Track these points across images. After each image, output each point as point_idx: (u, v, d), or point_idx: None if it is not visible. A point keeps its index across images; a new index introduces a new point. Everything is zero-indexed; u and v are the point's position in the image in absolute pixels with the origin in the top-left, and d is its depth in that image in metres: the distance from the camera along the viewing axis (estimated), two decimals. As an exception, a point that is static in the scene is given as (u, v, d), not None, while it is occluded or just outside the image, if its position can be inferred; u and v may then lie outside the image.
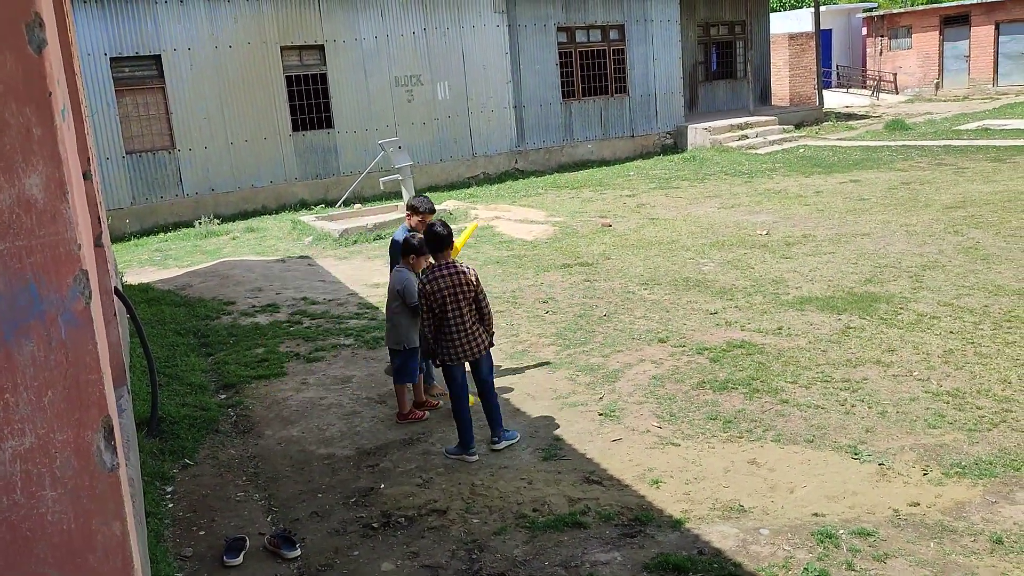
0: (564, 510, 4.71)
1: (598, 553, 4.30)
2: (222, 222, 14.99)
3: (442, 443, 5.74)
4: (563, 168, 19.86)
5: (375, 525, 4.71)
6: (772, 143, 21.14)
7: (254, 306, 9.48)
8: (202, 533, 4.77)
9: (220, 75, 15.66)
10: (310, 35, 16.49)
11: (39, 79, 1.59)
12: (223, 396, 6.86)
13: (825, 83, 32.11)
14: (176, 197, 15.51)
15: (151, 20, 14.94)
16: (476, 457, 5.45)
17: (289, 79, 16.39)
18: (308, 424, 6.20)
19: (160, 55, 15.09)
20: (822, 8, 30.35)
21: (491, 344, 5.60)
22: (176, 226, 14.90)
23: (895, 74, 33.88)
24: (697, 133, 21.46)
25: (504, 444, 5.59)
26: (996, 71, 30.95)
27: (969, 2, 33.28)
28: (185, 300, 9.90)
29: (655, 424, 5.79)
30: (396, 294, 6.12)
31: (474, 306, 5.44)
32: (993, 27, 30.70)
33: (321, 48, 16.64)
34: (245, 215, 15.68)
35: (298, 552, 4.44)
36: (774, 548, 4.23)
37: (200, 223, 14.63)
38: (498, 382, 6.54)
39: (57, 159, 1.61)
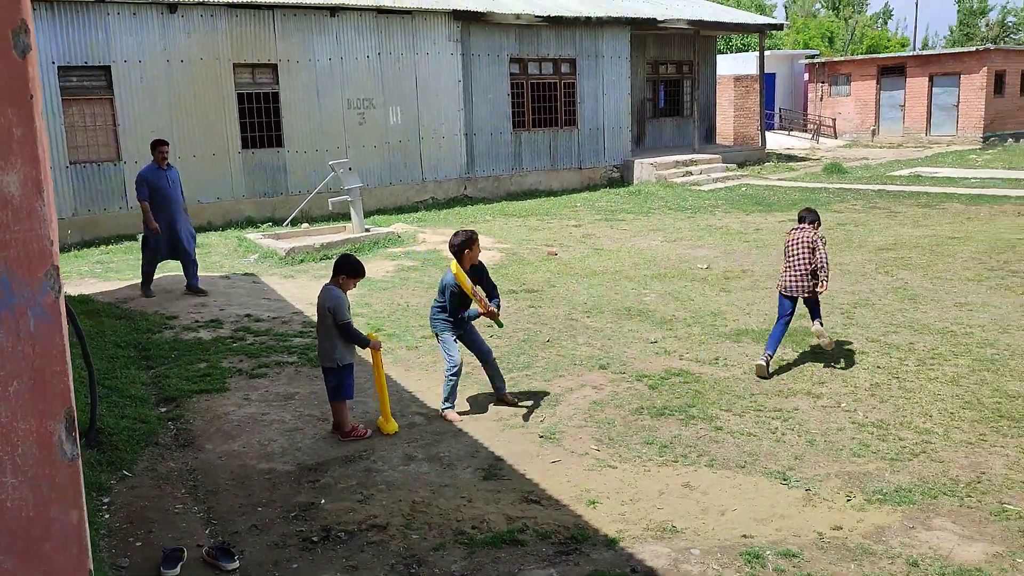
0: (503, 528, 4.81)
1: (534, 570, 4.40)
2: (166, 236, 14.81)
3: (384, 461, 5.80)
4: (512, 196, 20.09)
5: (315, 539, 4.74)
6: (715, 180, 21.69)
7: (197, 321, 9.41)
8: (139, 544, 4.74)
9: (171, 89, 15.56)
10: (264, 54, 16.50)
11: (22, 82, 1.67)
12: (163, 409, 6.81)
13: (768, 125, 33.09)
14: (120, 210, 15.29)
15: (102, 30, 14.81)
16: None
17: (241, 96, 16.35)
18: (249, 439, 6.20)
19: (110, 66, 14.94)
20: (767, 53, 31.32)
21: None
22: (119, 239, 14.68)
23: (834, 119, 35.05)
24: (643, 168, 21.92)
25: None
26: (929, 121, 32.25)
27: (905, 54, 34.68)
28: (126, 313, 9.78)
29: (594, 447, 5.93)
30: (327, 312, 6.13)
31: None
32: (927, 79, 32.04)
33: (274, 67, 16.65)
34: (190, 230, 15.51)
35: (236, 564, 4.45)
36: (704, 567, 4.38)
37: (143, 237, 14.43)
38: (442, 404, 6.63)
39: (35, 159, 1.69)
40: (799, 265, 7.44)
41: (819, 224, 7.66)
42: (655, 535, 4.74)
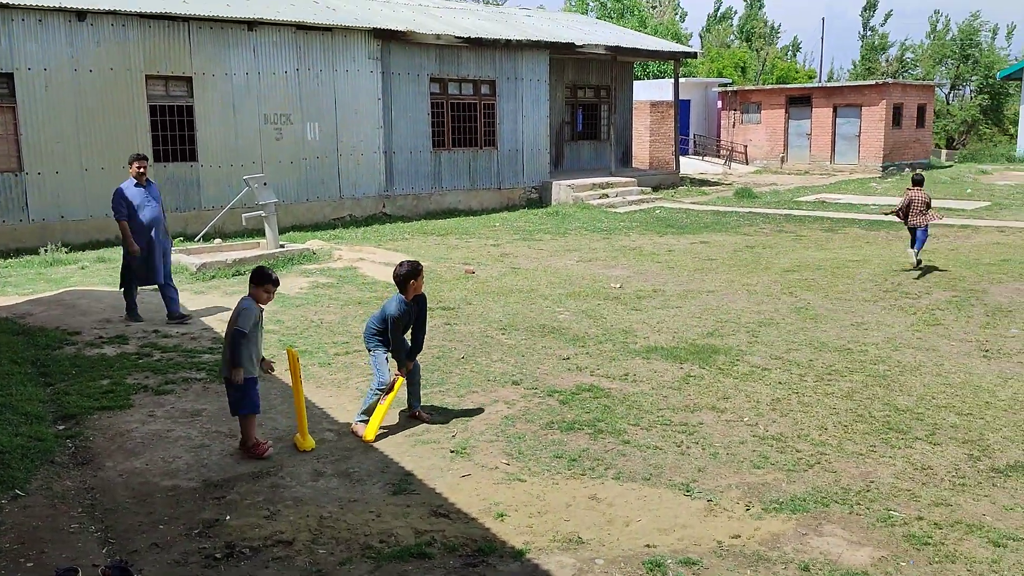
0: (411, 541, 4.81)
1: (441, 582, 4.42)
2: (71, 250, 14.35)
3: (292, 477, 5.73)
4: (431, 215, 20.12)
5: (218, 556, 4.66)
6: (631, 203, 22.15)
7: (101, 337, 9.14)
8: (30, 565, 4.58)
9: (78, 99, 15.13)
10: (178, 66, 16.20)
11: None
12: (61, 427, 6.58)
13: (682, 150, 33.99)
14: (20, 222, 14.75)
15: (5, 37, 14.33)
16: None
17: (153, 108, 16.00)
18: (153, 456, 6.05)
19: (12, 73, 14.45)
20: (682, 80, 32.21)
21: None
22: (18, 252, 14.15)
23: (746, 146, 36.21)
24: (561, 189, 22.23)
25: None
26: (833, 150, 33.62)
27: (812, 86, 36.14)
28: (24, 329, 9.42)
29: (504, 461, 5.98)
30: (233, 319, 6.06)
31: None
32: (832, 110, 33.42)
33: (189, 80, 16.36)
34: (97, 245, 15.06)
35: (135, 583, 4.34)
36: (607, 576, 4.47)
37: (46, 250, 13.95)
38: (352, 421, 6.60)
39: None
40: (921, 208, 12.74)
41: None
42: (561, 546, 4.81)
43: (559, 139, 25.92)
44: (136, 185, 9.77)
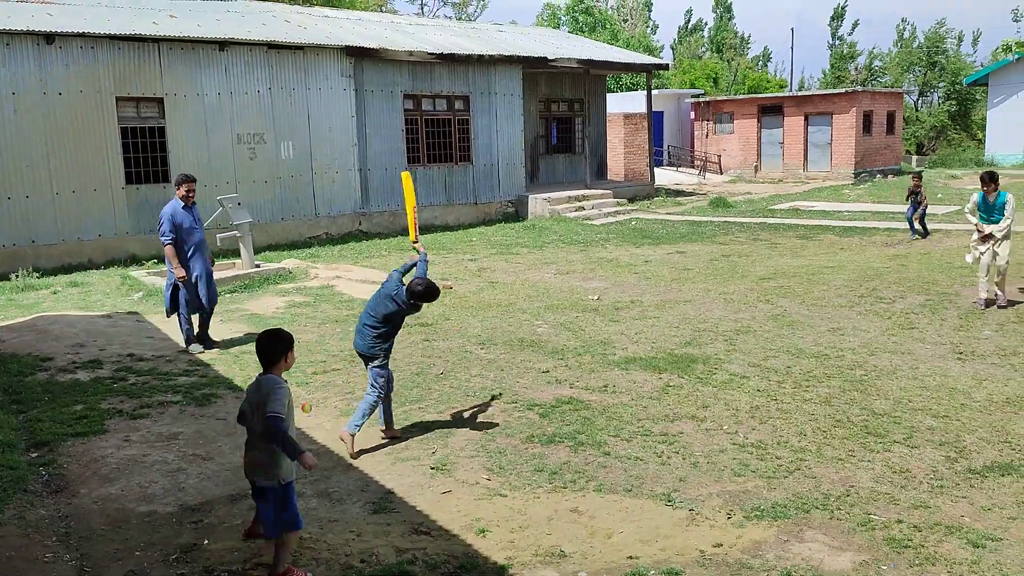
0: (392, 560, 4.77)
1: (423, 600, 4.38)
2: (42, 275, 14.17)
3: (271, 498, 5.66)
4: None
5: (196, 581, 4.59)
6: (607, 215, 22.23)
7: (74, 362, 9.02)
8: (4, 596, 4.49)
9: (48, 122, 14.99)
10: (149, 87, 16.10)
11: None
12: (34, 454, 6.48)
13: (657, 161, 34.21)
14: (-9, 247, 14.55)
15: (-27, 61, 14.18)
16: None
17: (124, 130, 15.88)
18: (129, 482, 5.96)
19: (-19, 98, 14.30)
20: (655, 92, 32.43)
21: None
22: (-11, 278, 13.95)
23: (720, 156, 36.49)
24: (537, 203, 22.28)
25: None
26: (806, 158, 33.95)
27: (783, 95, 36.52)
28: (-4, 355, 9.28)
29: (484, 477, 5.95)
30: (261, 399, 4.53)
31: None
32: (803, 118, 33.77)
33: (160, 101, 16.26)
34: (69, 269, 14.89)
35: (111, 611, 4.26)
36: (590, 589, 4.45)
37: (17, 276, 13.77)
38: (331, 439, 6.54)
39: None
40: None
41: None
42: (544, 560, 4.78)
43: (534, 153, 26.00)
44: (184, 207, 9.37)
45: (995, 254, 10.60)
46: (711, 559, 4.74)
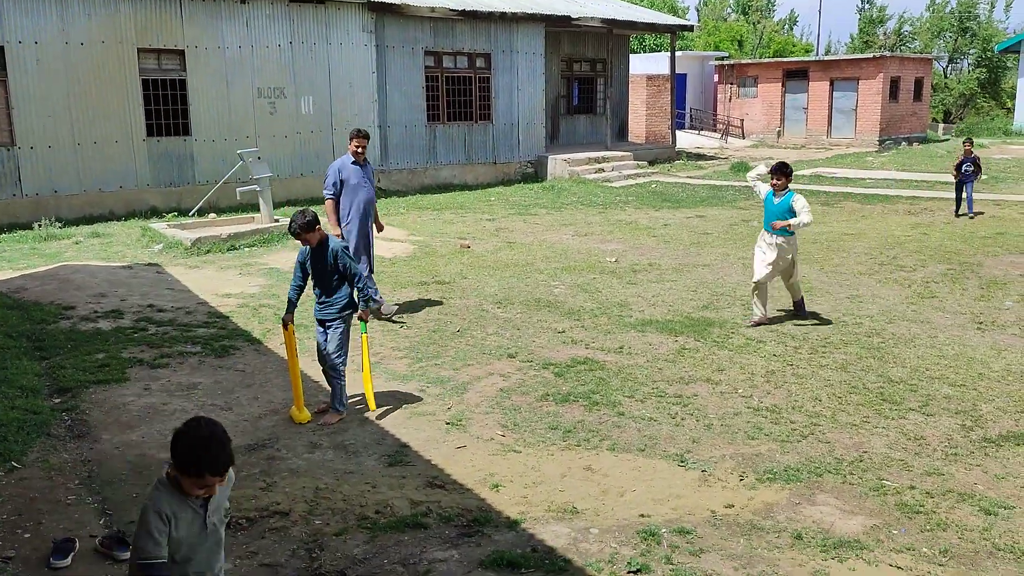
0: (406, 512, 4.84)
1: (436, 551, 4.45)
2: (64, 225, 14.28)
3: (288, 449, 5.75)
4: (426, 190, 20.05)
5: (214, 527, 4.68)
6: (627, 177, 22.08)
7: (96, 312, 9.12)
8: (27, 536, 4.60)
9: (70, 72, 14.99)
10: (170, 39, 16.04)
11: None
12: (58, 400, 6.59)
13: (679, 124, 33.83)
14: (13, 197, 14.66)
15: (-5, 9, 14.17)
16: None
17: (145, 82, 15.86)
18: (149, 429, 6.06)
19: (3, 47, 14.31)
20: (678, 53, 31.98)
21: None
22: (12, 227, 14.07)
23: (742, 120, 36.05)
24: (556, 164, 22.15)
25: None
26: (830, 124, 33.48)
27: (808, 59, 35.94)
28: (19, 303, 9.40)
29: (499, 433, 6.01)
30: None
31: None
32: (828, 83, 33.24)
33: (181, 53, 16.21)
34: (91, 220, 14.99)
35: (132, 553, 4.36)
36: (602, 545, 4.51)
37: (40, 225, 13.88)
38: (348, 392, 6.59)
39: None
40: None
41: None
42: (556, 516, 4.84)
43: (555, 113, 25.77)
44: (353, 163, 8.85)
45: None
46: (722, 519, 4.78)
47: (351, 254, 7.63)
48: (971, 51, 51.39)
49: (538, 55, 22.30)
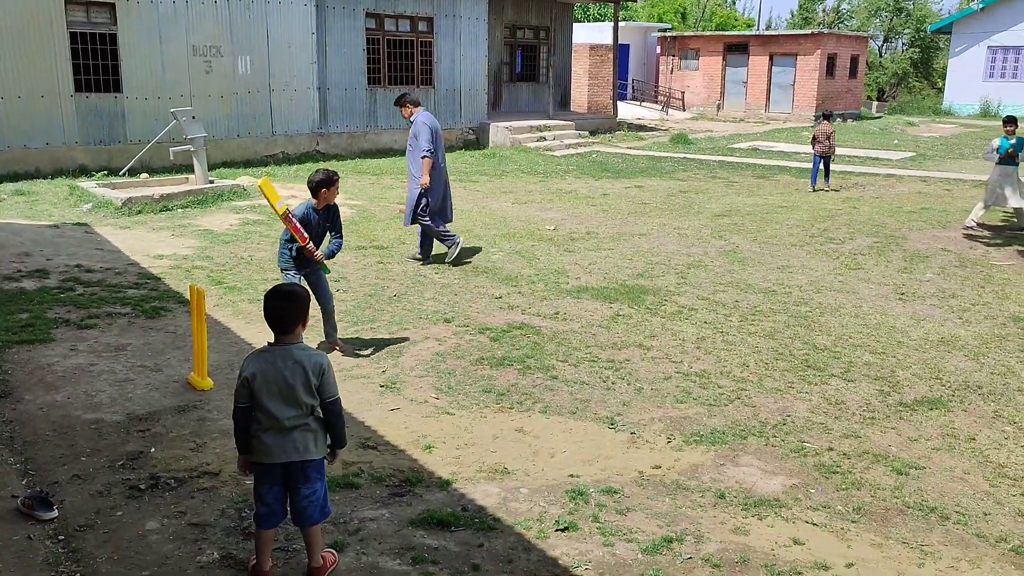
0: (338, 472, 4.85)
1: (367, 511, 4.49)
2: (-13, 183, 13.77)
3: (219, 411, 5.70)
4: (366, 154, 19.83)
5: (142, 487, 4.64)
6: (568, 147, 22.15)
7: (20, 271, 8.86)
8: (-53, 497, 4.50)
9: (-8, 23, 14.37)
10: (99, -9, 15.47)
11: None
12: (-22, 361, 6.41)
13: (621, 95, 33.99)
14: (-68, 152, 14.07)
15: (-89, -47, 13.47)
16: None
17: (74, 35, 15.29)
18: (75, 390, 5.94)
19: (-80, -7, 13.64)
20: (621, 24, 32.04)
21: None
22: (-70, 183, 13.52)
23: (683, 92, 36.37)
24: (499, 131, 22.09)
25: None
26: (769, 98, 34.00)
27: (749, 33, 36.30)
28: (-62, 261, 9.08)
29: (433, 396, 6.04)
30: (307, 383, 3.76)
31: None
32: (768, 58, 33.70)
33: (112, 6, 15.65)
34: (15, 177, 14.47)
35: (55, 513, 4.30)
36: (531, 504, 4.59)
37: (-40, 182, 13.37)
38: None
39: None
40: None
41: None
42: (487, 477, 4.91)
43: (497, 80, 25.64)
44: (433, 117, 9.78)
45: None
46: (649, 479, 4.91)
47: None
48: (905, 31, 52.51)
49: (481, 20, 22.12)
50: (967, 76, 36.89)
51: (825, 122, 16.53)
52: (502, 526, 4.37)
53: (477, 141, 22.30)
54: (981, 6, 36.41)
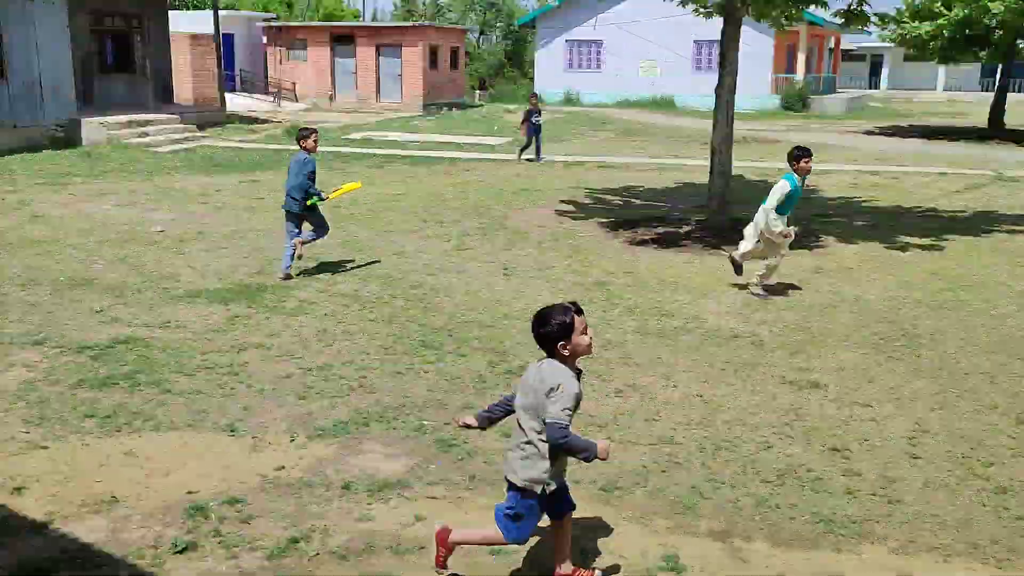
0: (-101, 538, 4.12)
1: (-58, 576, 3.87)
2: None
3: None
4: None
5: None
6: (175, 142, 20.84)
7: None
8: None
9: None
10: None
11: None
12: None
13: (229, 87, 32.67)
14: None
15: None
16: None
17: None
18: None
19: None
20: (223, 13, 30.77)
21: None
22: None
23: (294, 84, 35.95)
24: (92, 127, 20.13)
25: None
26: (379, 88, 34.87)
27: (355, 24, 36.89)
28: None
29: (22, 430, 5.37)
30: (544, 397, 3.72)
31: None
32: (375, 49, 34.52)
33: None
34: None
35: None
36: (145, 531, 4.29)
37: None
38: None
39: None
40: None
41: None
42: (92, 510, 4.48)
43: (87, 72, 23.26)
44: None
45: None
46: (273, 482, 4.82)
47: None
48: (498, 24, 56.89)
49: (57, 6, 19.91)
50: (552, 67, 40.88)
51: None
52: (111, 561, 4.03)
53: (68, 139, 20.08)
54: (559, 2, 40.47)
